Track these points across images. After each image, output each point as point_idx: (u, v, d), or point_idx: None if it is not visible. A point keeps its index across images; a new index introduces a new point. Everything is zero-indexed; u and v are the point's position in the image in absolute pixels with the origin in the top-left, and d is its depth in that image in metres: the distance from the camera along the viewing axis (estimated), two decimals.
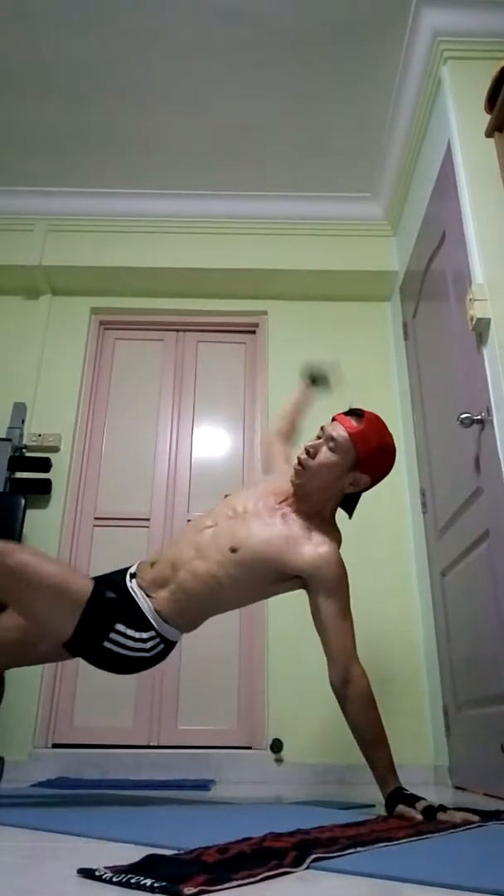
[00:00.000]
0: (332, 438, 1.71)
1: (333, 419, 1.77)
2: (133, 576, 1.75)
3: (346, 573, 1.68)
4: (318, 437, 1.75)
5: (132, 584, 1.71)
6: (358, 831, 1.13)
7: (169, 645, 1.72)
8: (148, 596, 1.69)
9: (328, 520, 1.79)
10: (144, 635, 1.65)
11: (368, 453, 1.72)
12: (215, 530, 1.74)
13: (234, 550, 1.67)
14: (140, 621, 1.65)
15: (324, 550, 1.68)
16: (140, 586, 1.71)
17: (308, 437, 1.82)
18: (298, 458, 1.74)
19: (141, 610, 1.66)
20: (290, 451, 2.09)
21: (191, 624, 1.75)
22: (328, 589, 1.64)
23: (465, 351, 2.39)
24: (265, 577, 1.71)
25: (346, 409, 1.80)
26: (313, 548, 1.68)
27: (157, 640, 1.67)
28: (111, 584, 1.68)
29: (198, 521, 1.83)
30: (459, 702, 2.48)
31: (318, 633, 1.64)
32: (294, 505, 1.76)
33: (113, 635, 1.60)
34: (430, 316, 2.91)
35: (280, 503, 1.79)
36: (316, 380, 2.31)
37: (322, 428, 1.76)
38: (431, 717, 2.81)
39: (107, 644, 1.60)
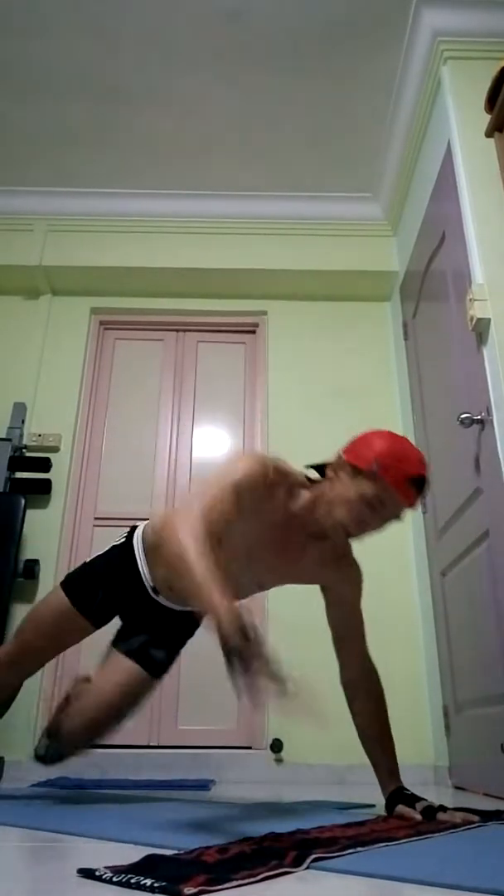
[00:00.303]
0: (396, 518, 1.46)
1: (410, 504, 1.41)
2: (156, 591, 1.72)
3: (361, 575, 1.64)
4: (378, 515, 1.42)
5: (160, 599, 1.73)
6: (358, 831, 1.13)
7: (129, 552, 1.73)
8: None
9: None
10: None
11: None
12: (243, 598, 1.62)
13: (261, 587, 1.68)
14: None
15: (343, 563, 1.62)
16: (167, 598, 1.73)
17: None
18: (347, 531, 1.46)
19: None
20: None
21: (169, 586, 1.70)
22: (347, 599, 1.61)
23: (465, 351, 2.39)
24: None
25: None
26: (333, 564, 1.61)
27: (127, 530, 1.77)
28: (139, 620, 1.77)
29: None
30: (459, 702, 2.48)
31: (332, 631, 1.62)
32: (307, 529, 1.53)
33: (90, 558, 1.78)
34: (430, 316, 2.91)
35: (292, 538, 1.54)
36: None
37: (387, 511, 1.42)
38: (431, 717, 2.81)
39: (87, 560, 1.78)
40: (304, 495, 1.49)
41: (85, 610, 1.69)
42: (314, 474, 1.54)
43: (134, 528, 1.80)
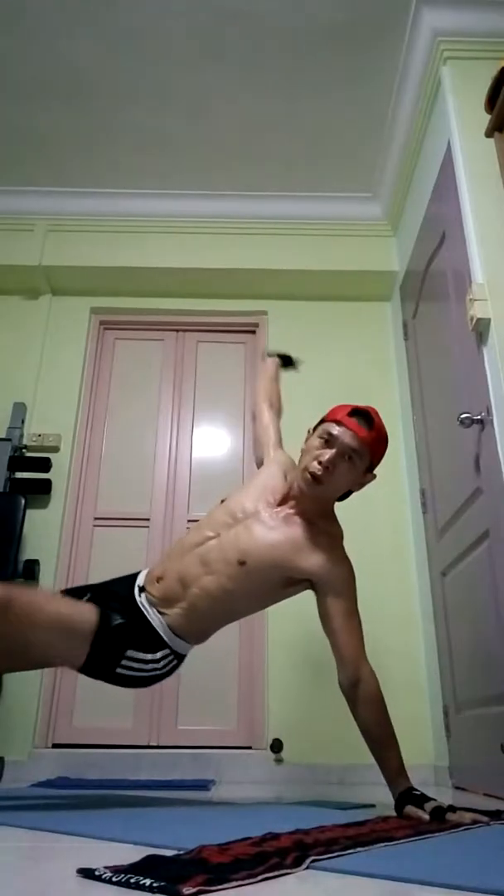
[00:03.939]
0: (351, 450, 1.62)
1: (339, 421, 1.65)
2: (142, 589, 1.70)
3: (353, 572, 1.67)
4: (327, 445, 1.64)
5: (142, 600, 1.68)
6: (358, 831, 1.13)
7: (181, 659, 1.71)
8: (160, 613, 1.66)
9: (331, 516, 1.77)
10: (157, 655, 1.62)
11: (381, 455, 1.71)
12: (219, 542, 1.69)
13: (242, 563, 1.63)
14: (152, 641, 1.62)
15: (332, 553, 1.66)
16: (151, 603, 1.67)
17: (296, 424, 1.86)
18: (311, 472, 1.63)
19: (153, 628, 1.63)
20: (279, 425, 2.12)
21: (203, 636, 1.73)
22: (337, 590, 1.62)
23: (465, 351, 2.39)
24: (275, 583, 1.69)
25: (338, 401, 1.80)
26: (321, 551, 1.65)
27: (171, 656, 1.66)
28: (118, 601, 1.64)
29: (198, 530, 1.76)
30: (459, 702, 2.48)
31: (326, 633, 1.63)
32: (297, 507, 1.71)
33: (125, 661, 1.57)
34: (430, 316, 2.91)
35: (280, 504, 1.73)
36: (286, 361, 2.34)
37: (330, 435, 1.64)
38: (431, 718, 2.81)
39: (120, 670, 1.57)
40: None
41: (98, 643, 1.56)
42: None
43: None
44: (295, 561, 1.65)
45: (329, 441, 1.64)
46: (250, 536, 1.67)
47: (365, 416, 1.66)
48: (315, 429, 1.73)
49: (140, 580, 1.74)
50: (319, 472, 1.63)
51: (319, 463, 1.63)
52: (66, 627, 1.49)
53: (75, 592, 1.70)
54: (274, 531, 1.67)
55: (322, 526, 1.70)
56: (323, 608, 1.64)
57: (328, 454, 1.63)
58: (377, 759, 1.52)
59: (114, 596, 1.67)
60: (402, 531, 3.18)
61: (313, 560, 1.64)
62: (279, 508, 1.72)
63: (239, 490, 1.85)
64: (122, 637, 1.57)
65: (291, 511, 1.71)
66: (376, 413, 1.70)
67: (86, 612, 1.53)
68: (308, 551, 1.65)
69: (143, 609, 1.66)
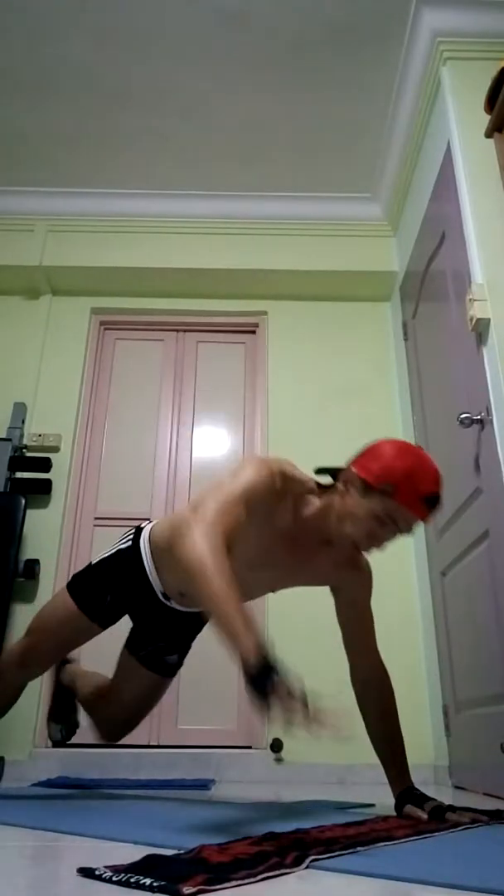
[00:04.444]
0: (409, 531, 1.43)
1: (424, 520, 1.39)
2: (166, 597, 1.71)
3: (370, 571, 1.63)
4: (399, 533, 1.40)
5: (170, 604, 1.72)
6: (358, 831, 1.13)
7: (137, 556, 1.69)
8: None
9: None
10: (122, 535, 1.78)
11: None
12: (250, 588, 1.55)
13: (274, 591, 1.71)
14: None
15: (358, 563, 1.59)
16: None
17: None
18: (367, 550, 1.48)
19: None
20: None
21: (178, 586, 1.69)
22: (359, 593, 1.60)
23: (464, 351, 2.39)
24: None
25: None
26: (349, 566, 1.58)
27: (131, 533, 1.75)
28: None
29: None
30: (459, 701, 2.48)
31: (343, 631, 1.61)
32: (317, 538, 1.50)
33: (93, 559, 1.77)
34: (429, 316, 2.91)
35: (305, 546, 1.51)
36: None
37: (410, 529, 1.40)
38: (431, 717, 2.81)
39: (92, 562, 1.76)
40: (314, 503, 1.45)
41: (92, 613, 1.70)
42: (323, 479, 1.50)
43: (139, 529, 1.76)
44: (319, 581, 1.62)
45: (403, 532, 1.41)
46: (284, 585, 1.68)
47: (437, 502, 1.39)
48: (380, 492, 1.35)
49: (157, 586, 1.69)
50: (365, 548, 1.46)
51: (371, 544, 1.43)
52: (152, 700, 1.96)
53: (89, 593, 1.72)
54: (301, 576, 1.60)
55: (337, 540, 1.51)
56: (344, 607, 1.61)
57: (385, 539, 1.42)
58: (382, 757, 1.52)
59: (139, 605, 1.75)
60: None
61: (338, 576, 1.60)
62: (301, 548, 1.51)
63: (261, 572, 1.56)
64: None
65: (311, 544, 1.51)
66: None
67: (152, 681, 1.90)
68: (333, 570, 1.58)
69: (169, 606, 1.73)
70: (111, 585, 1.71)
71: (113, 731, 1.92)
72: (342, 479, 1.42)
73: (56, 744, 2.08)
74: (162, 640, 1.82)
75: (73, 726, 2.04)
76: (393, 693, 1.55)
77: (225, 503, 1.26)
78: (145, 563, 1.68)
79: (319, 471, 1.49)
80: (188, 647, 1.90)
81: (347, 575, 1.59)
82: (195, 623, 1.81)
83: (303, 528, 1.46)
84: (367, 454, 1.41)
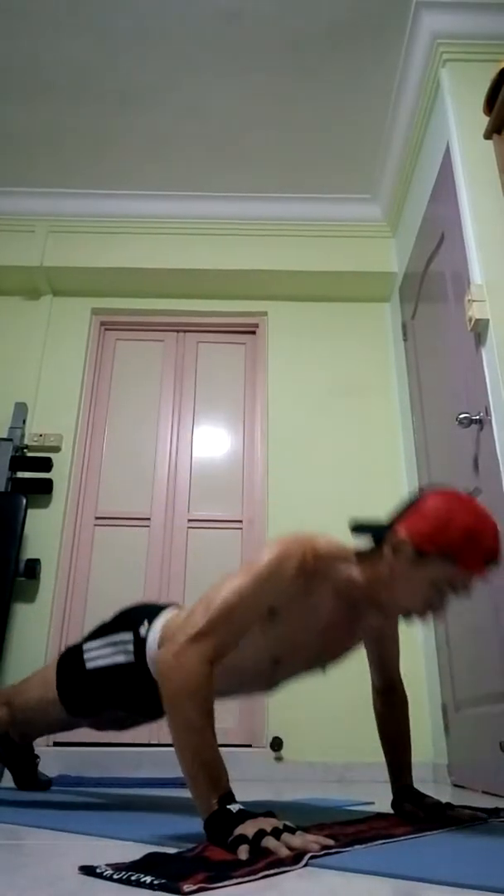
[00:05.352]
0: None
1: (480, 575, 1.18)
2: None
3: None
4: (452, 593, 1.21)
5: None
6: (357, 829, 1.14)
7: (142, 665, 1.48)
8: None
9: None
10: (116, 637, 1.53)
11: None
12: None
13: None
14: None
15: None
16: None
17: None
18: (415, 617, 1.26)
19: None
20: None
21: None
22: (394, 626, 1.50)
23: (463, 352, 2.39)
24: None
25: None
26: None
27: (131, 641, 1.50)
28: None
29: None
30: (458, 700, 2.49)
31: (370, 648, 1.50)
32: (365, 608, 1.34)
33: (86, 654, 1.54)
34: (429, 317, 2.92)
35: (344, 623, 1.33)
36: None
37: (466, 589, 1.21)
38: (430, 716, 2.82)
39: (84, 651, 1.55)
40: (355, 574, 1.25)
41: (77, 713, 1.61)
42: (357, 539, 1.29)
43: (139, 638, 1.51)
44: (359, 642, 1.47)
45: (462, 595, 1.22)
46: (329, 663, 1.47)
47: (496, 561, 1.20)
48: (438, 558, 1.16)
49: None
50: (424, 617, 1.25)
51: (430, 611, 1.24)
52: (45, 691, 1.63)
53: (87, 709, 1.60)
54: (344, 649, 1.41)
55: (388, 610, 1.33)
56: (373, 644, 1.50)
57: (445, 604, 1.23)
58: (390, 758, 1.53)
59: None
60: None
61: (381, 628, 1.46)
62: (341, 625, 1.33)
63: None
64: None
65: (353, 616, 1.33)
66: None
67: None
68: (376, 627, 1.43)
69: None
70: (109, 698, 1.56)
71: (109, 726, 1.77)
72: (389, 543, 1.21)
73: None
74: (144, 718, 1.67)
75: (43, 784, 1.96)
76: (407, 702, 1.55)
77: (228, 618, 1.09)
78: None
79: (356, 528, 1.28)
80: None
81: (392, 613, 1.36)
82: None
83: (344, 604, 1.28)
84: (415, 513, 1.19)
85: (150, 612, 1.56)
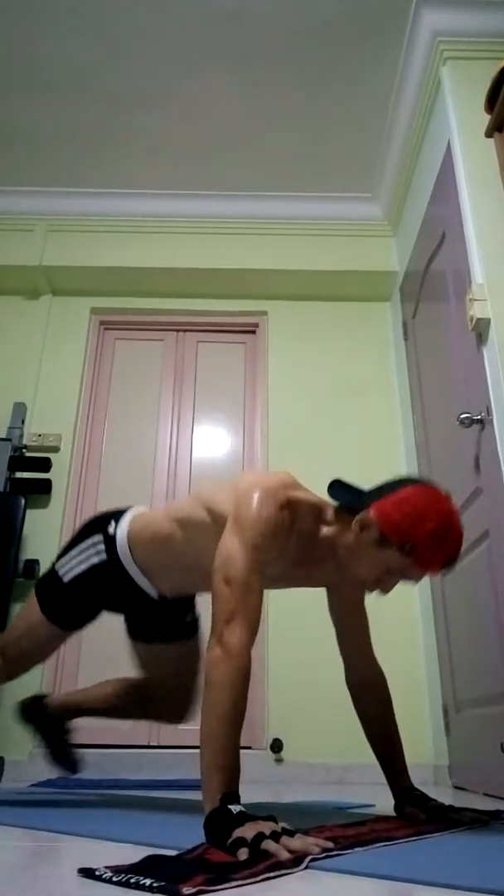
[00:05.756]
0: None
1: (432, 573, 1.27)
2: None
3: None
4: (402, 579, 1.30)
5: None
6: (358, 831, 1.13)
7: (121, 573, 1.57)
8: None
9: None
10: (86, 543, 1.61)
11: None
12: None
13: None
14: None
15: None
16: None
17: None
18: (370, 590, 1.37)
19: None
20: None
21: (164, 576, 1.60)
22: (357, 593, 1.54)
23: (464, 351, 2.39)
24: None
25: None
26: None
27: (101, 541, 1.59)
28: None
29: None
30: (459, 701, 2.48)
31: (336, 628, 1.57)
32: (329, 559, 1.42)
33: (60, 570, 1.61)
34: (429, 316, 2.91)
35: (309, 562, 1.44)
36: None
37: (417, 579, 1.31)
38: (431, 717, 2.81)
39: (57, 570, 1.61)
40: (324, 533, 1.35)
41: (73, 627, 1.66)
42: (327, 494, 1.38)
43: (108, 536, 1.60)
44: (319, 584, 1.55)
45: (401, 579, 1.31)
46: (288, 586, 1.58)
47: (454, 563, 1.28)
48: (398, 546, 1.22)
49: (152, 591, 1.65)
50: (371, 590, 1.37)
51: (377, 588, 1.33)
52: (195, 666, 1.74)
53: (68, 614, 1.64)
54: (303, 583, 1.52)
55: (342, 568, 1.42)
56: (336, 611, 1.57)
57: (392, 586, 1.33)
58: (380, 757, 1.52)
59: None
60: None
61: (338, 579, 1.51)
62: (306, 564, 1.45)
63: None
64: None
65: (316, 561, 1.43)
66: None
67: (180, 651, 1.77)
68: (334, 575, 1.49)
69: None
70: (95, 604, 1.64)
71: (176, 711, 1.80)
72: (359, 519, 1.27)
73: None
74: (165, 624, 1.75)
75: (73, 764, 1.92)
76: (388, 693, 1.54)
77: (244, 598, 1.24)
78: (134, 577, 1.59)
79: (333, 487, 1.36)
80: (193, 605, 1.80)
81: (347, 575, 1.56)
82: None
83: (310, 553, 1.38)
84: (391, 500, 1.24)
85: (115, 514, 1.68)
